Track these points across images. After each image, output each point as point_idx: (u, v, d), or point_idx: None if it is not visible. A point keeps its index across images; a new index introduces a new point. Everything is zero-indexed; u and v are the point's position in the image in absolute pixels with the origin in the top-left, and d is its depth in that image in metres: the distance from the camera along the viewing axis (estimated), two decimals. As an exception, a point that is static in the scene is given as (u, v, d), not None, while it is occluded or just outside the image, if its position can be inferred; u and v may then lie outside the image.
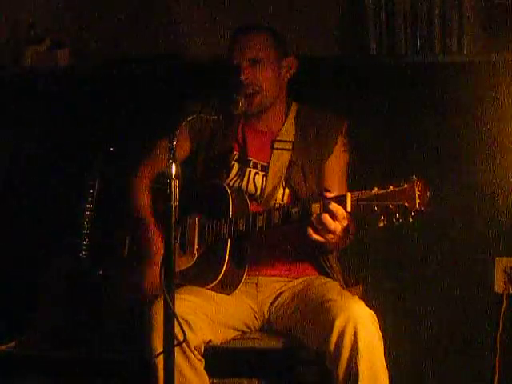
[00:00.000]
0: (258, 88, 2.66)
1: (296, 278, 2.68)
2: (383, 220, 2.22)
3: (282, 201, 2.68)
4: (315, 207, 2.35)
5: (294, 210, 2.41)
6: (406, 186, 2.20)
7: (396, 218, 2.20)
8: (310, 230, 2.36)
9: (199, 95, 2.85)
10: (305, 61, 2.83)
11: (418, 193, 2.18)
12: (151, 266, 2.62)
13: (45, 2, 3.51)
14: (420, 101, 3.20)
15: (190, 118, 2.34)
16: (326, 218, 2.31)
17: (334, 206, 2.30)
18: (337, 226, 2.32)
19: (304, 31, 3.28)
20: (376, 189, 2.24)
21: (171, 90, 3.28)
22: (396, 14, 3.19)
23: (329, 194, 2.34)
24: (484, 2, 3.20)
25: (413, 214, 2.18)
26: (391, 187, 2.22)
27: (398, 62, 3.22)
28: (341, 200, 2.29)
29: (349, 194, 2.28)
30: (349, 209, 2.27)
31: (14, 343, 3.00)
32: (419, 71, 3.19)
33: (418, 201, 2.18)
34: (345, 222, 2.33)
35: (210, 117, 2.51)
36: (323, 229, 2.33)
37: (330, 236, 2.35)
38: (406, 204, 2.18)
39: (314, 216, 2.34)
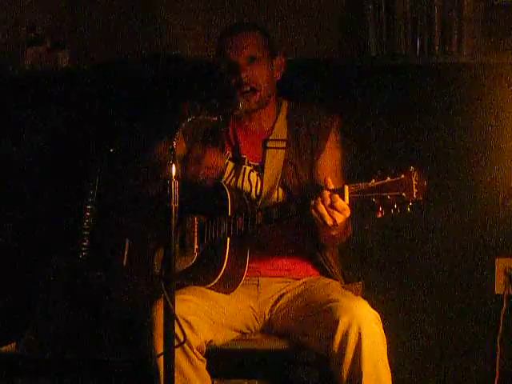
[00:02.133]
0: (256, 86, 2.65)
1: (297, 279, 2.67)
2: (381, 211, 2.22)
3: (277, 199, 2.67)
4: (313, 201, 2.33)
5: (292, 204, 2.42)
6: (403, 176, 2.21)
7: (394, 209, 2.21)
8: (320, 204, 2.31)
9: (199, 95, 2.85)
10: (305, 62, 2.82)
11: (415, 183, 2.19)
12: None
13: (45, 3, 3.52)
14: (420, 102, 3.20)
15: (190, 119, 2.33)
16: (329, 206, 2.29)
17: (334, 197, 2.28)
18: (338, 216, 2.30)
19: (304, 32, 3.29)
20: (373, 180, 2.24)
21: (171, 90, 3.28)
22: (396, 15, 3.19)
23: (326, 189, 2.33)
24: (484, 3, 3.20)
25: (410, 204, 2.19)
26: (388, 178, 2.23)
27: (398, 63, 3.22)
28: (338, 192, 2.29)
29: (346, 187, 2.28)
30: (347, 201, 2.27)
31: (13, 344, 2.99)
32: (419, 72, 3.19)
33: (415, 190, 2.18)
34: (347, 213, 2.31)
35: (210, 118, 2.50)
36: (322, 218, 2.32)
37: (330, 222, 2.31)
38: (404, 194, 2.19)
39: (328, 193, 2.30)
